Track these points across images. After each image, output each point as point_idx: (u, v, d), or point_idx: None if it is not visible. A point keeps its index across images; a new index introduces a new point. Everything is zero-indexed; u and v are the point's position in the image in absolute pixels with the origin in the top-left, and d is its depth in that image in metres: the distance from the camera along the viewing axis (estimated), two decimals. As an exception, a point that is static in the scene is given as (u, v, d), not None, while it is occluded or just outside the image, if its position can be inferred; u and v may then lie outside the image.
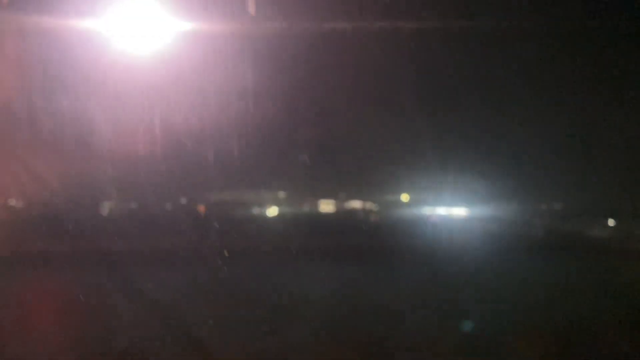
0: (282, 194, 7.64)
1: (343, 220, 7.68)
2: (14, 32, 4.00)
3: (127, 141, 5.29)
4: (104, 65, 4.41)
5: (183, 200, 7.93)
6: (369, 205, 7.38)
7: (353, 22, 4.51)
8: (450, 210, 6.79)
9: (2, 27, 3.99)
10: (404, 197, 7.51)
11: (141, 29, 4.05)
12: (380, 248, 6.54)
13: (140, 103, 4.93)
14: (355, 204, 7.42)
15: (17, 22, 3.97)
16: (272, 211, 6.72)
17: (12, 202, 7.00)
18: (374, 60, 5.47)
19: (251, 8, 4.22)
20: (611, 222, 7.58)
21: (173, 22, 4.11)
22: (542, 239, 6.42)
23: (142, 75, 4.51)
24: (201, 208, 7.40)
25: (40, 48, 4.51)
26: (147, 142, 5.18)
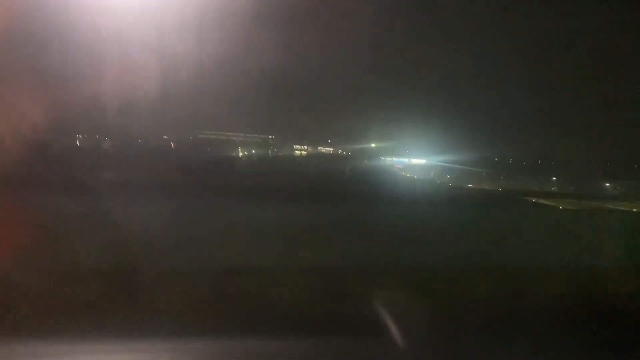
0: (263, 138, 8.19)
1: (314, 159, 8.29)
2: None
3: (116, 82, 5.44)
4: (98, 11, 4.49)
5: (170, 138, 8.50)
6: (340, 150, 7.81)
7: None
8: (411, 159, 7.27)
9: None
10: (374, 146, 7.94)
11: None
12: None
13: (130, 46, 5.05)
14: (327, 149, 7.83)
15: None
16: (244, 152, 7.50)
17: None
18: (348, 18, 5.64)
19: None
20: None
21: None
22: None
23: (134, 19, 4.59)
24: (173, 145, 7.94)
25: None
26: (135, 84, 5.36)
